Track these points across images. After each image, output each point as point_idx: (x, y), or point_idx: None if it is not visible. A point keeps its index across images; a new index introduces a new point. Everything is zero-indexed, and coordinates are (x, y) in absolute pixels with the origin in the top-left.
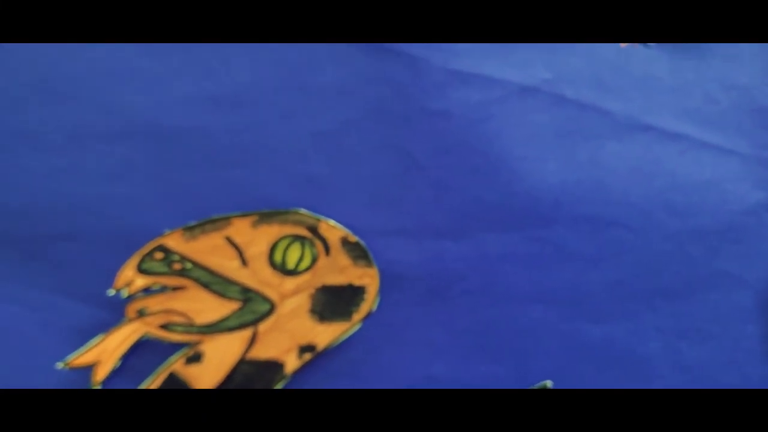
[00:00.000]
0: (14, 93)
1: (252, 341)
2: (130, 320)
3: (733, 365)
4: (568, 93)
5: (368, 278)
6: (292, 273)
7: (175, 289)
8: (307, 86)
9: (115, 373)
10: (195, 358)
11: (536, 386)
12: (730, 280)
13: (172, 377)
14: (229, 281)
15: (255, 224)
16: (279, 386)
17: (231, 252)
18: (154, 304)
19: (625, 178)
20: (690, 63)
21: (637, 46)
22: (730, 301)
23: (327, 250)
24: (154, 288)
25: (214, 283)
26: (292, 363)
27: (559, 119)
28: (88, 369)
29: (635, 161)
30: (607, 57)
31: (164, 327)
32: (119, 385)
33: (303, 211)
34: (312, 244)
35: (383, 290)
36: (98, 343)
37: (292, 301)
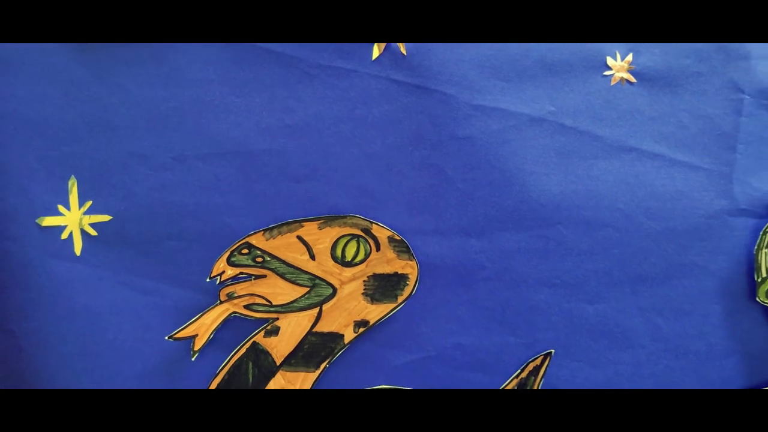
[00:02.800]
0: (130, 122)
1: (318, 318)
2: (222, 302)
3: (701, 337)
4: (567, 122)
5: (410, 268)
6: (350, 264)
7: (257, 277)
8: (362, 117)
9: (209, 344)
10: (273, 332)
11: (542, 354)
12: (698, 269)
13: (255, 346)
14: (300, 271)
15: (320, 226)
16: (338, 354)
17: (301, 248)
18: (240, 289)
19: (613, 189)
20: (666, 97)
21: (624, 84)
22: (699, 286)
23: (377, 246)
24: (241, 276)
25: (288, 272)
26: (349, 335)
27: (561, 143)
28: (189, 340)
29: (621, 176)
30: (599, 93)
31: (248, 307)
32: (213, 352)
33: (358, 215)
34: (365, 242)
35: (421, 277)
36: (196, 320)
37: (350, 286)
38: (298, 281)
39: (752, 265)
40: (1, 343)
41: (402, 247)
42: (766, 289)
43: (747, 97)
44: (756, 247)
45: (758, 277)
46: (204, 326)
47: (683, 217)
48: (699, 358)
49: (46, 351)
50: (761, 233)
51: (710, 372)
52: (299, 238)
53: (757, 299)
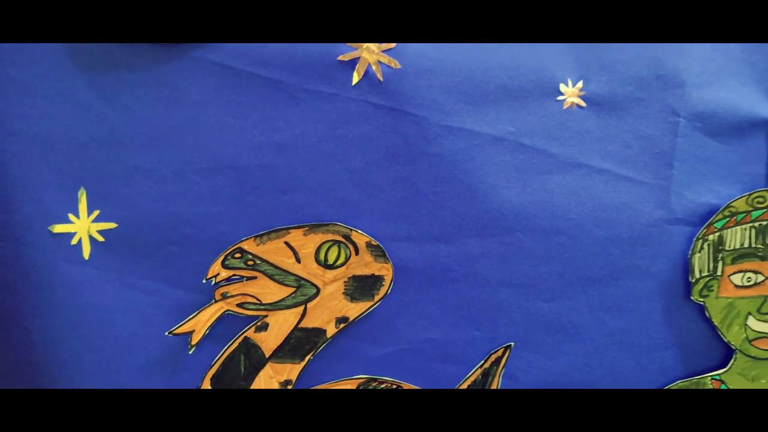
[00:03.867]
0: (134, 140)
1: (303, 315)
2: (217, 301)
3: (643, 331)
4: (525, 141)
5: (385, 270)
6: (332, 267)
7: (249, 278)
8: (342, 136)
9: (205, 338)
10: (262, 327)
11: (503, 346)
12: (640, 271)
13: (246, 341)
14: (287, 273)
15: (306, 233)
16: (321, 347)
17: (288, 252)
18: (233, 289)
19: (565, 200)
20: (611, 120)
21: (575, 108)
22: (641, 286)
23: (356, 251)
24: (234, 278)
25: (277, 274)
26: (331, 330)
27: (519, 159)
28: (187, 335)
29: (573, 189)
30: (553, 116)
31: (241, 305)
32: (208, 346)
33: (339, 223)
34: (346, 247)
35: (395, 279)
36: (194, 317)
37: (332, 286)
38: (286, 282)
39: (687, 268)
40: (17, 338)
41: (378, 252)
42: (699, 289)
43: (682, 120)
44: (690, 252)
45: (692, 278)
46: (200, 323)
47: (627, 226)
48: (641, 350)
49: (58, 346)
50: (695, 239)
51: (651, 363)
52: (286, 243)
53: (692, 298)
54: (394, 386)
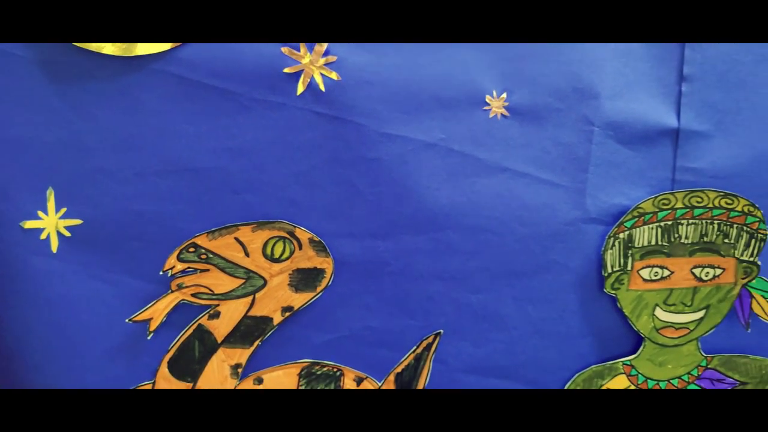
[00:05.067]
0: (99, 144)
1: (252, 304)
2: (173, 291)
3: (561, 321)
4: (455, 147)
5: (326, 264)
6: (278, 261)
7: (202, 271)
8: (289, 142)
9: (162, 325)
10: (215, 315)
11: (433, 333)
12: (559, 266)
13: (200, 327)
14: (237, 266)
15: (254, 229)
16: (269, 334)
17: (238, 247)
18: (188, 280)
19: (491, 201)
20: (532, 128)
21: (500, 117)
22: (559, 279)
23: (300, 246)
24: (188, 270)
25: (228, 267)
26: (277, 318)
27: (450, 163)
28: (145, 323)
29: (497, 190)
30: (480, 124)
31: (195, 295)
32: (165, 332)
33: (285, 221)
34: (290, 242)
35: (336, 272)
36: (152, 306)
37: (278, 278)
38: (236, 274)
39: (601, 263)
40: None
41: (320, 247)
42: (611, 282)
43: (596, 128)
44: (603, 249)
45: (605, 273)
46: (158, 311)
47: (546, 224)
48: (560, 338)
49: (27, 333)
50: (607, 237)
51: (569, 349)
52: (236, 239)
53: (605, 290)
54: (335, 370)
